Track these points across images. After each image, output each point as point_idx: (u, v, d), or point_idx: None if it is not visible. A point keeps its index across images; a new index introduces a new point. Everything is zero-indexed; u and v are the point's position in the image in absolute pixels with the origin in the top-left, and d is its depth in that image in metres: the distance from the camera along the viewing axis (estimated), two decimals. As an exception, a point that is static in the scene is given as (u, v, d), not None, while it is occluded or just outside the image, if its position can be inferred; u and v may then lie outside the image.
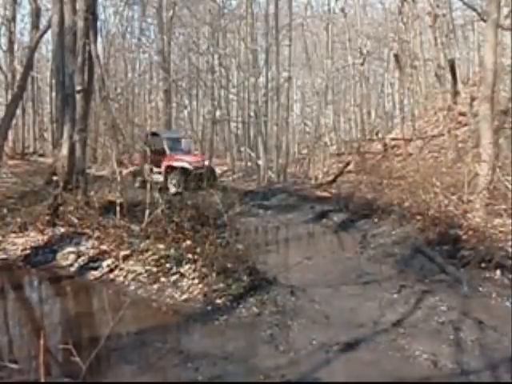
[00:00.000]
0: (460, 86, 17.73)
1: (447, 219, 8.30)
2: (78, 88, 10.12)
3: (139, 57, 29.55)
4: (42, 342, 2.96)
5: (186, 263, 6.79)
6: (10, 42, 21.79)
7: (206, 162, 17.68)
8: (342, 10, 26.36)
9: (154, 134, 16.49)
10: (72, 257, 8.06)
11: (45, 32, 18.07)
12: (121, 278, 7.06)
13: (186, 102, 31.54)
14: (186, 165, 16.10)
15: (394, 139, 19.95)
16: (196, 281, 6.42)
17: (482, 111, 9.19)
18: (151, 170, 14.32)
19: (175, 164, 16.38)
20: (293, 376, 4.14)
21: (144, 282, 6.78)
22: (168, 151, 16.76)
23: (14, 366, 4.28)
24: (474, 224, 7.83)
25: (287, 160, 22.50)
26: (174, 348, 4.72)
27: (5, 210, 9.87)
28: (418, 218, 9.08)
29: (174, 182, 15.86)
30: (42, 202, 10.10)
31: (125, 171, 14.66)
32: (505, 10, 10.83)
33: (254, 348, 4.81)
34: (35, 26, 19.08)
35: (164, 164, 16.49)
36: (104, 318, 5.12)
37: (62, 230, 8.89)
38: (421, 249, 7.84)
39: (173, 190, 15.03)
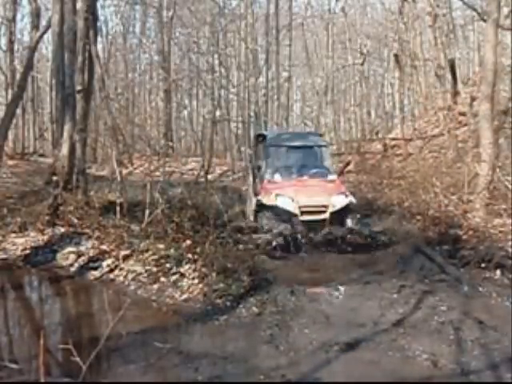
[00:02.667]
0: (460, 85, 17.77)
1: (447, 219, 8.31)
2: (78, 88, 10.13)
3: (139, 57, 29.58)
4: (41, 342, 2.96)
5: (186, 263, 6.79)
6: (10, 42, 21.78)
7: (346, 200, 8.79)
8: (343, 9, 26.38)
9: (262, 138, 10.13)
10: (72, 257, 8.08)
11: (45, 32, 18.09)
12: (121, 278, 7.07)
13: (186, 101, 31.56)
14: (286, 203, 8.53)
15: (393, 139, 19.95)
16: (196, 281, 6.43)
17: (482, 111, 9.20)
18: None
19: (267, 200, 8.81)
20: (293, 376, 4.13)
21: (144, 281, 6.78)
22: (267, 170, 9.36)
23: (14, 366, 4.28)
24: (473, 224, 7.83)
25: (287, 160, 22.46)
26: (174, 348, 4.72)
27: (5, 210, 9.89)
28: (418, 217, 9.08)
29: (261, 237, 7.98)
30: (42, 202, 10.12)
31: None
32: (505, 10, 10.83)
33: (254, 348, 4.80)
34: (35, 25, 19.07)
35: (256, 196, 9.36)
36: (104, 318, 5.12)
37: (62, 229, 8.91)
38: (421, 249, 7.84)
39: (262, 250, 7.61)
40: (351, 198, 8.91)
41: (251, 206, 9.70)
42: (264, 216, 8.73)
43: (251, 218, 9.61)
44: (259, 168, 9.76)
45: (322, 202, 8.63)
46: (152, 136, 23.27)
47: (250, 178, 10.44)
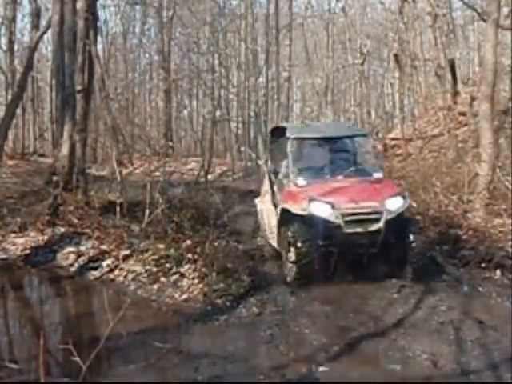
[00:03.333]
0: (460, 85, 17.75)
1: (447, 219, 8.30)
2: (78, 88, 10.14)
3: (139, 57, 29.58)
4: (41, 341, 2.96)
5: (186, 263, 6.80)
6: (10, 42, 21.74)
7: (405, 203, 6.75)
8: (343, 9, 26.39)
9: (280, 131, 8.04)
10: (72, 257, 8.09)
11: (45, 32, 18.08)
12: (121, 278, 7.08)
13: (186, 102, 31.55)
14: (324, 211, 6.44)
15: (393, 139, 19.93)
16: (196, 281, 6.43)
17: (482, 111, 9.20)
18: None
19: (296, 208, 6.61)
20: (293, 376, 4.14)
21: (144, 281, 6.80)
22: (291, 171, 7.15)
23: (13, 366, 4.29)
24: (473, 224, 7.84)
25: (287, 160, 22.46)
26: (174, 348, 4.73)
27: (5, 210, 9.90)
28: (418, 218, 9.07)
29: (291, 254, 6.48)
30: (42, 202, 10.12)
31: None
32: (505, 10, 10.82)
33: (254, 348, 4.81)
34: (35, 25, 19.06)
35: (279, 203, 7.28)
36: (104, 318, 5.12)
37: (62, 229, 8.92)
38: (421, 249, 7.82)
39: (290, 274, 6.51)
40: (409, 201, 6.99)
41: (271, 220, 7.52)
42: (291, 226, 6.52)
43: (271, 237, 7.55)
44: (276, 172, 7.71)
45: (373, 208, 6.45)
46: (152, 136, 23.27)
47: (266, 187, 8.05)
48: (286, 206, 6.80)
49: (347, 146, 7.91)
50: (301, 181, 6.95)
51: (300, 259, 6.26)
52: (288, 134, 7.44)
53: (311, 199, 6.44)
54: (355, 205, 6.48)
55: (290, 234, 6.53)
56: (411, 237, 6.55)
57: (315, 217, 6.39)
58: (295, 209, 6.58)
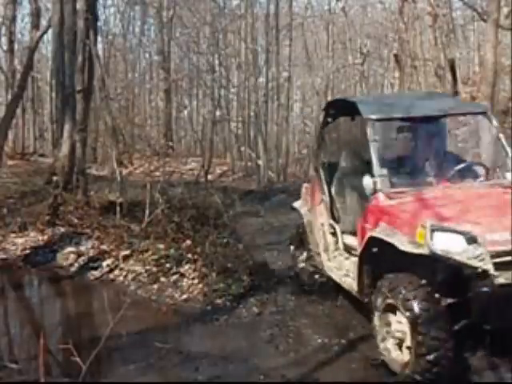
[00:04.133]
0: (460, 85, 17.74)
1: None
2: (78, 88, 10.13)
3: (139, 57, 29.58)
4: (41, 341, 2.97)
5: (186, 263, 6.80)
6: (10, 42, 21.75)
7: None
8: (343, 9, 26.39)
9: (344, 108, 5.28)
10: (72, 257, 8.08)
11: (45, 32, 18.09)
12: (121, 278, 7.08)
13: (186, 102, 31.53)
14: (457, 247, 3.50)
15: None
16: (196, 281, 6.44)
17: (482, 111, 9.19)
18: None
19: (399, 240, 3.78)
20: (293, 376, 4.14)
21: (144, 281, 6.79)
22: (380, 173, 4.28)
23: (13, 366, 4.29)
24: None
25: (287, 160, 22.52)
26: (174, 348, 4.73)
27: (5, 210, 9.89)
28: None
29: (398, 328, 3.77)
30: (42, 202, 10.11)
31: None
32: (505, 10, 10.82)
33: (254, 348, 4.81)
34: (35, 25, 19.08)
35: (360, 229, 4.47)
36: (104, 318, 5.12)
37: (62, 229, 8.91)
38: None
39: (394, 363, 3.87)
40: None
41: (330, 241, 5.37)
42: (397, 286, 3.82)
43: (330, 266, 5.38)
44: (332, 168, 5.47)
45: None
46: (152, 136, 23.27)
47: (319, 192, 5.61)
48: (379, 234, 4.11)
49: (454, 131, 5.31)
50: (394, 188, 4.36)
51: (426, 344, 3.57)
52: (365, 114, 4.70)
53: (434, 227, 3.68)
54: (508, 234, 3.67)
55: (393, 292, 3.83)
56: None
57: (441, 258, 3.66)
58: (401, 243, 3.82)
